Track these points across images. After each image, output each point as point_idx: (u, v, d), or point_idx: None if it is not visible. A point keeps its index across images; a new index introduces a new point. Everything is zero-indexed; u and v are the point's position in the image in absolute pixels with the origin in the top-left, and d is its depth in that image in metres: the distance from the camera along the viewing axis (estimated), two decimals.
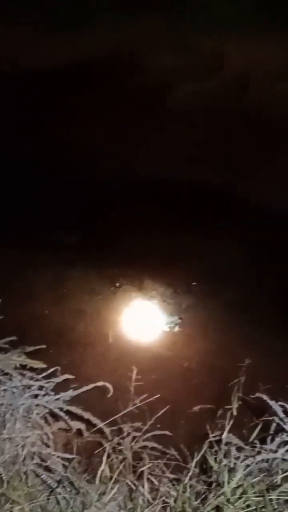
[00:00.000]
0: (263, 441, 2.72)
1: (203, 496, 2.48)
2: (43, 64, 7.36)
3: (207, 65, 7.33)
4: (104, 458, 2.43)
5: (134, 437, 2.92)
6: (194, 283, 4.66)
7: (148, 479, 2.65)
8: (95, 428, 2.87)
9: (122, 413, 2.86)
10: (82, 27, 7.84)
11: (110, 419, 2.86)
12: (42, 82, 7.21)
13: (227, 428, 2.61)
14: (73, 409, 2.94)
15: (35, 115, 6.73)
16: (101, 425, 2.83)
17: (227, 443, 2.64)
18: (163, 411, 2.91)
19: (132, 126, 6.50)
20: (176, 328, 4.24)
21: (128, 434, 2.86)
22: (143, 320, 4.33)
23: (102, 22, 7.84)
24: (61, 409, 2.90)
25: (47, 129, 6.56)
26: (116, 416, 2.81)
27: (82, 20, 7.92)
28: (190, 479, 2.46)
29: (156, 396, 2.99)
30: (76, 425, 2.96)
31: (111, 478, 2.57)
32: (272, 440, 2.67)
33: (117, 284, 4.59)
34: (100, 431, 2.99)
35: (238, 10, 7.54)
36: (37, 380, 2.95)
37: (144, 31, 7.66)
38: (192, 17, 7.67)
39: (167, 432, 3.07)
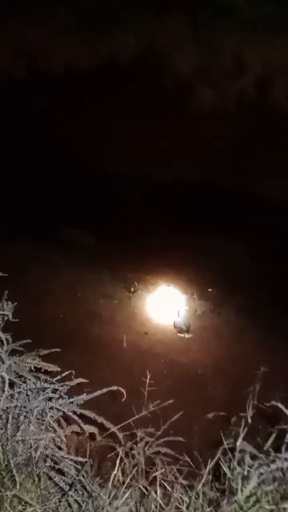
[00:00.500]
0: (277, 450, 2.69)
1: (216, 503, 2.45)
2: (67, 64, 7.41)
3: (228, 68, 7.33)
4: (117, 462, 2.41)
5: (147, 442, 2.91)
6: (210, 289, 4.64)
7: (160, 484, 2.63)
8: (107, 432, 2.85)
9: (135, 417, 2.84)
10: (106, 28, 7.89)
11: (123, 423, 2.84)
12: (64, 83, 7.26)
13: (242, 435, 2.57)
14: (86, 412, 2.93)
15: (54, 115, 6.77)
16: (114, 429, 2.81)
17: (241, 451, 2.61)
18: (176, 416, 2.88)
19: (156, 129, 6.52)
20: (190, 334, 4.22)
21: (141, 439, 2.84)
22: (157, 325, 4.32)
23: (127, 23, 7.89)
24: (74, 412, 2.89)
25: (65, 128, 6.59)
26: (129, 420, 2.79)
27: (106, 20, 7.96)
28: (203, 485, 2.43)
29: (169, 401, 2.97)
30: (89, 428, 2.96)
31: (123, 482, 2.56)
32: (287, 449, 2.63)
33: (132, 289, 4.58)
34: (113, 436, 2.98)
35: (260, 13, 7.52)
36: (51, 383, 2.95)
37: (169, 32, 7.69)
38: (215, 18, 7.67)
39: (180, 438, 3.06)
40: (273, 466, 2.43)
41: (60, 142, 6.40)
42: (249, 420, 2.59)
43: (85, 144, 6.39)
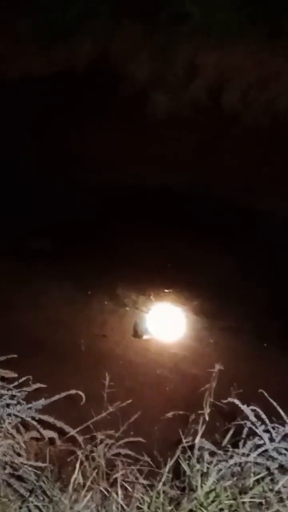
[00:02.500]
0: (236, 446, 2.74)
1: (177, 501, 2.47)
2: (23, 73, 7.36)
3: (182, 74, 7.42)
4: (77, 465, 2.40)
5: (107, 445, 2.91)
6: (167, 290, 4.68)
7: (121, 486, 2.63)
8: (67, 436, 2.84)
9: (94, 419, 2.84)
10: (62, 36, 7.87)
11: (83, 426, 2.83)
12: (21, 91, 7.20)
13: (200, 433, 2.61)
14: (45, 418, 2.92)
15: (10, 123, 6.70)
16: (73, 432, 2.80)
17: (200, 448, 2.65)
18: (134, 417, 2.90)
19: (113, 134, 6.54)
20: (149, 336, 4.25)
21: (101, 442, 2.84)
22: (116, 328, 4.33)
23: (84, 31, 7.89)
24: (33, 418, 2.88)
25: (23, 136, 6.53)
26: (88, 422, 2.79)
27: (62, 28, 7.94)
28: (164, 484, 2.45)
29: (128, 402, 2.98)
30: (48, 434, 2.94)
31: (84, 485, 2.55)
32: (244, 444, 2.68)
33: (89, 292, 4.58)
34: (73, 440, 2.97)
35: (214, 19, 7.66)
36: (8, 389, 2.92)
37: (124, 39, 7.74)
38: (170, 26, 7.76)
39: (140, 439, 3.07)
40: (231, 462, 2.47)
41: (17, 150, 6.34)
42: (207, 418, 2.62)
43: (43, 152, 6.35)
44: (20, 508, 2.53)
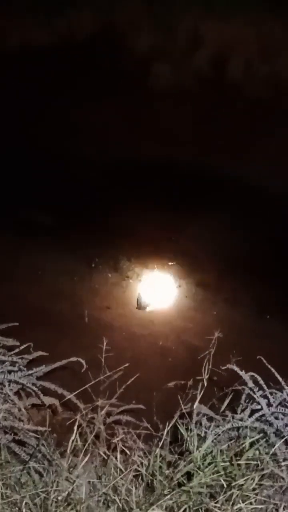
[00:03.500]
0: (234, 411, 2.77)
1: (175, 465, 2.51)
2: (23, 45, 7.30)
3: (185, 45, 7.34)
4: (75, 428, 2.43)
5: (108, 412, 2.95)
6: (170, 263, 4.69)
7: (121, 451, 2.67)
8: (64, 399, 2.87)
9: (93, 382, 2.86)
10: (62, 9, 7.79)
11: (82, 388, 2.85)
12: (20, 63, 7.14)
13: (198, 398, 2.63)
14: (46, 384, 2.95)
15: (11, 96, 6.67)
16: (70, 396, 2.83)
17: (198, 414, 2.67)
18: (131, 380, 2.93)
19: (113, 108, 6.49)
20: (151, 307, 4.26)
21: (102, 408, 2.88)
22: (119, 299, 4.35)
23: (84, 3, 7.81)
24: (34, 384, 2.91)
25: (22, 110, 6.49)
26: (87, 385, 2.81)
27: (63, 1, 7.86)
28: (162, 448, 2.48)
29: (125, 365, 3.01)
30: (49, 400, 2.98)
31: (84, 450, 2.59)
32: (243, 409, 2.71)
33: (93, 265, 4.59)
34: (75, 409, 3.01)
35: None
36: (9, 356, 2.95)
37: (126, 12, 7.64)
38: None
39: (141, 406, 3.11)
40: (227, 426, 2.50)
41: (18, 124, 6.31)
42: (205, 383, 2.64)
43: (44, 126, 6.32)
44: (21, 471, 2.58)
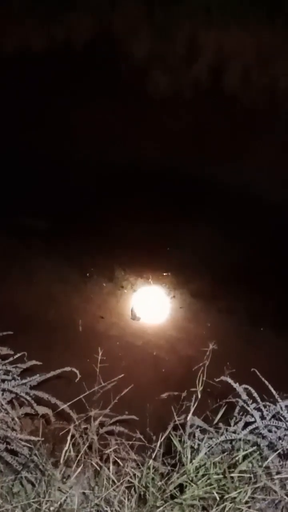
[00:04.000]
0: (227, 424, 2.77)
1: (167, 476, 2.51)
2: (20, 49, 7.32)
3: (183, 53, 7.39)
4: (68, 438, 2.43)
5: (101, 422, 2.95)
6: (165, 274, 4.69)
7: (114, 462, 2.67)
8: (58, 410, 2.87)
9: (87, 392, 2.86)
10: (61, 12, 7.82)
11: (76, 399, 2.86)
12: (18, 67, 7.15)
13: (192, 410, 2.64)
14: (40, 394, 2.95)
15: (7, 100, 6.66)
16: (63, 406, 2.83)
17: (191, 426, 2.68)
18: (125, 391, 2.93)
19: (111, 114, 6.49)
20: (145, 318, 4.26)
21: (95, 419, 2.88)
22: (113, 309, 4.34)
23: (83, 8, 7.84)
24: (27, 394, 2.91)
25: (18, 113, 6.49)
26: (81, 396, 2.82)
27: (61, 5, 7.89)
28: (154, 459, 2.49)
29: (120, 376, 3.01)
30: (42, 410, 2.98)
31: (77, 460, 2.59)
32: (236, 422, 2.71)
33: (88, 274, 4.59)
34: (68, 419, 3.01)
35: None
36: (3, 365, 2.95)
37: (124, 18, 7.69)
38: (170, 4, 7.71)
39: (134, 417, 3.11)
40: (221, 438, 2.50)
41: (14, 128, 6.30)
42: (199, 395, 2.64)
43: (40, 130, 6.31)
44: (14, 481, 2.57)
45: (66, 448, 2.42)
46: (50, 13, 7.71)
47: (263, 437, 2.57)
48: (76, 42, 7.52)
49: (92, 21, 7.67)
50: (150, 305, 4.39)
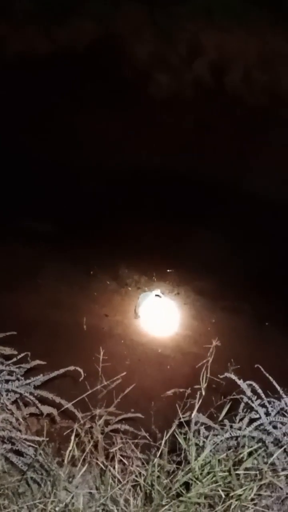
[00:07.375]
0: (232, 420, 2.76)
1: (173, 474, 2.50)
2: (24, 53, 7.32)
3: (185, 54, 7.37)
4: (73, 437, 2.43)
5: (106, 420, 2.94)
6: (169, 270, 4.69)
7: (120, 461, 2.67)
8: (62, 409, 2.86)
9: (91, 391, 2.85)
10: (63, 18, 7.81)
11: (79, 398, 2.85)
12: (20, 73, 7.16)
13: (196, 407, 2.63)
14: (44, 393, 2.95)
15: (11, 104, 6.67)
16: (68, 405, 2.83)
17: (196, 423, 2.67)
18: (128, 389, 2.93)
19: (115, 116, 6.50)
20: (150, 315, 4.26)
21: (100, 417, 2.87)
22: (118, 307, 4.34)
23: (85, 11, 7.82)
24: (32, 394, 2.90)
25: (23, 118, 6.49)
26: (85, 394, 2.81)
27: (64, 8, 7.87)
28: (160, 457, 2.48)
29: (123, 374, 3.00)
30: (47, 409, 2.97)
31: (82, 459, 2.58)
32: (241, 419, 2.70)
33: (92, 273, 4.59)
34: (73, 418, 3.00)
35: (216, 0, 7.59)
36: (7, 365, 2.95)
37: (126, 20, 7.68)
38: (171, 5, 7.68)
39: (139, 415, 3.10)
40: (225, 435, 2.49)
41: (19, 133, 6.31)
42: (203, 392, 2.63)
43: (44, 134, 6.32)
44: (19, 481, 2.57)
45: (70, 447, 2.42)
46: (52, 18, 7.69)
47: (268, 434, 2.56)
48: (78, 46, 7.51)
49: (94, 25, 7.65)
50: (154, 303, 4.38)
